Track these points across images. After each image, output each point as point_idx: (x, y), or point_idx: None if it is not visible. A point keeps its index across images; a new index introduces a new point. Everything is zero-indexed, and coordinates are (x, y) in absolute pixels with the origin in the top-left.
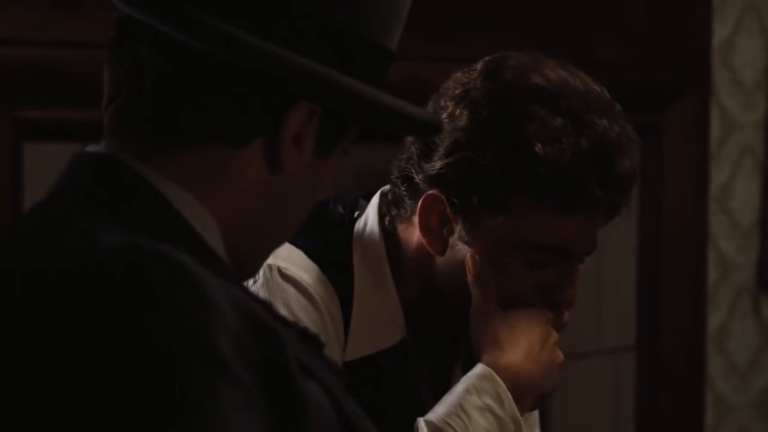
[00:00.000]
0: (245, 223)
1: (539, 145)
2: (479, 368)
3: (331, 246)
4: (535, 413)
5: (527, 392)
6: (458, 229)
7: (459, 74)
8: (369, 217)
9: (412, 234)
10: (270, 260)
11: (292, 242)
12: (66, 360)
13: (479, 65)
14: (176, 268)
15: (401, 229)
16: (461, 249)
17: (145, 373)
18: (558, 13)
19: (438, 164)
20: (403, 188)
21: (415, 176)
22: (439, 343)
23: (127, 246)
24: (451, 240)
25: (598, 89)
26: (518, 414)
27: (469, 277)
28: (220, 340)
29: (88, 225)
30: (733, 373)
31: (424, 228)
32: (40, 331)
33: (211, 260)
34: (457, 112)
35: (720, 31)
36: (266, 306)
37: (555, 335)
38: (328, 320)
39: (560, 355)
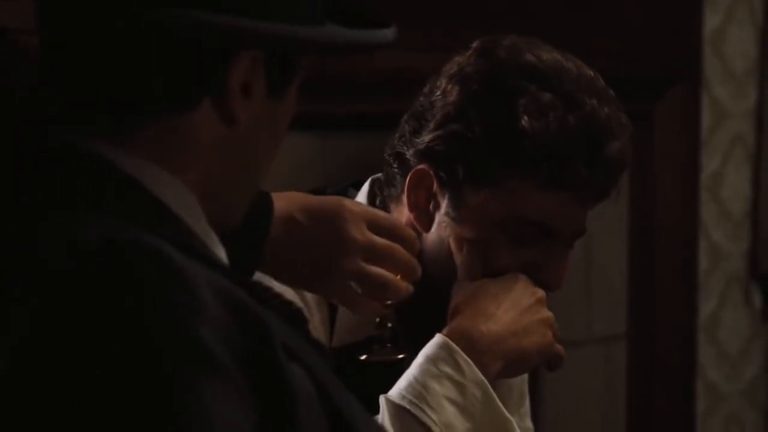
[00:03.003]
0: (217, 182)
1: (526, 118)
2: (436, 338)
3: None
4: (527, 404)
5: (494, 354)
6: (444, 204)
7: (458, 56)
8: None
9: (402, 213)
10: None
11: None
12: (65, 359)
13: (475, 44)
14: (167, 267)
15: (392, 208)
16: (447, 226)
17: (145, 372)
18: (552, 4)
19: (427, 138)
20: (395, 166)
21: (406, 152)
22: (428, 330)
23: (122, 243)
24: (437, 216)
25: (592, 74)
26: (481, 376)
27: (456, 258)
28: (207, 335)
29: (73, 219)
30: (724, 361)
31: (412, 204)
32: (43, 332)
33: (191, 244)
34: (449, 87)
35: (711, 21)
36: (252, 287)
37: (538, 293)
38: (314, 306)
39: (546, 313)
